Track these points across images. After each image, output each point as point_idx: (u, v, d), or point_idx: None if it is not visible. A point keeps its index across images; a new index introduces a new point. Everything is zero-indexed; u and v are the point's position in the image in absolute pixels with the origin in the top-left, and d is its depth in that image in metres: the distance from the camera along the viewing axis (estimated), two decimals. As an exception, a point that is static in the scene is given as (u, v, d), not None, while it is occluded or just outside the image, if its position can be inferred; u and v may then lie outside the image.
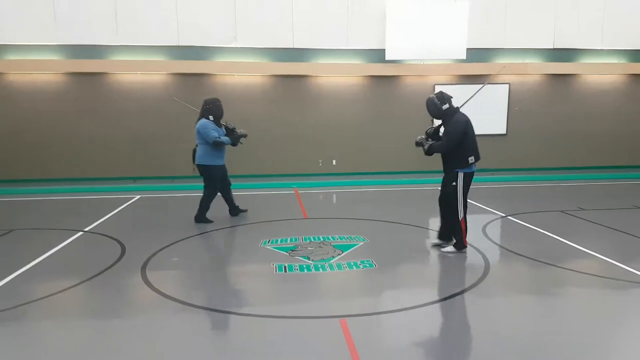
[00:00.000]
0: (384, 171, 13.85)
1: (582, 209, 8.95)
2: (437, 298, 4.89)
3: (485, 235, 7.26)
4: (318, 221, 8.38)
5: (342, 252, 6.39)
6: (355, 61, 13.34)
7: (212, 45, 12.74)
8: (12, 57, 12.15)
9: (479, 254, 6.26)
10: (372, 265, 5.84)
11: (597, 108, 14.37)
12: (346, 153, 13.81)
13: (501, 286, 5.26)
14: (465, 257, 6.17)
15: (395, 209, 9.35)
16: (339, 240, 7.01)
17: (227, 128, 8.11)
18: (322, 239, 7.06)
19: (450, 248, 6.35)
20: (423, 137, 6.56)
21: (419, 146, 6.52)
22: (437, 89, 13.61)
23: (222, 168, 8.14)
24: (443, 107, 6.14)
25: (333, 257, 6.20)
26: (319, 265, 5.85)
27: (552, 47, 13.89)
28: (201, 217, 8.08)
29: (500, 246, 6.66)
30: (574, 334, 4.04)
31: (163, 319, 4.47)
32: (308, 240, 6.99)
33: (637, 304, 4.79)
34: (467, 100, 6.64)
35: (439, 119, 6.28)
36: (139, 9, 12.37)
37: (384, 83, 13.63)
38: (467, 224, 6.34)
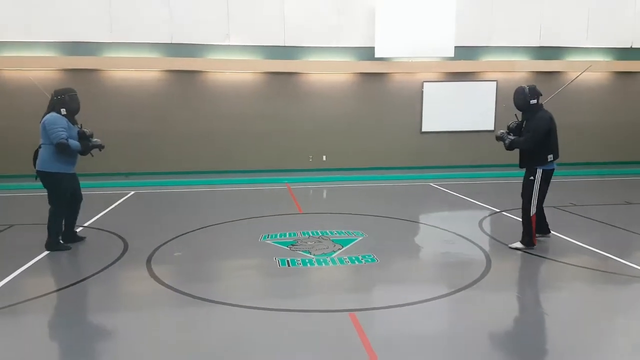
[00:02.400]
0: (374, 167, 13.99)
1: (574, 205, 9.17)
2: (442, 293, 4.98)
3: (483, 230, 7.44)
4: (313, 216, 8.49)
5: (342, 247, 6.50)
6: (345, 59, 13.47)
7: (204, 43, 12.77)
8: (7, 54, 12.06)
9: (479, 249, 6.41)
10: (374, 260, 5.95)
11: (583, 105, 14.67)
12: (336, 149, 13.93)
13: (504, 281, 5.41)
14: (465, 252, 6.31)
15: (386, 204, 9.52)
16: (337, 235, 7.13)
17: (80, 133, 6.43)
18: (320, 234, 7.17)
19: (518, 244, 6.33)
20: (504, 131, 6.51)
21: (500, 140, 6.47)
22: (426, 86, 13.86)
23: (73, 177, 6.49)
24: (531, 101, 6.12)
25: (334, 251, 6.31)
26: (322, 260, 5.96)
27: (538, 44, 14.14)
28: (53, 244, 6.31)
29: (498, 241, 6.80)
30: (575, 328, 4.19)
31: (172, 312, 4.56)
32: (307, 235, 7.09)
33: (636, 297, 4.96)
34: (554, 95, 6.75)
35: (523, 111, 6.26)
36: (133, 7, 12.36)
37: (373, 80, 13.78)
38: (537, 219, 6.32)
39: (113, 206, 9.31)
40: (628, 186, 11.66)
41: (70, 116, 6.31)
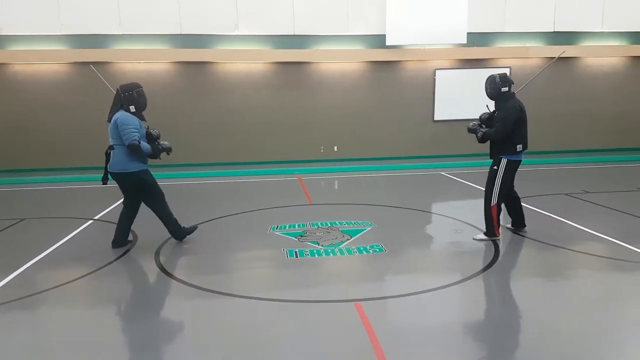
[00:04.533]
0: (386, 157, 13.91)
1: (587, 192, 9.04)
2: (449, 282, 4.95)
3: (492, 218, 7.34)
4: (323, 207, 8.46)
5: (351, 237, 6.47)
6: (356, 47, 13.36)
7: (214, 34, 12.74)
8: (16, 47, 12.14)
9: (488, 238, 6.33)
10: (382, 250, 5.92)
11: (598, 91, 14.43)
12: (347, 139, 13.86)
13: (513, 269, 5.36)
14: (477, 241, 6.23)
15: (398, 194, 9.46)
16: (346, 225, 7.10)
17: (149, 134, 6.12)
18: (329, 225, 7.14)
19: (481, 235, 6.26)
20: (476, 123, 6.39)
21: (472, 133, 6.37)
22: (438, 73, 13.71)
23: (149, 173, 6.22)
24: (502, 89, 5.99)
25: (342, 242, 6.28)
26: (329, 251, 5.94)
27: (552, 30, 13.90)
28: (178, 232, 6.42)
29: (508, 229, 6.73)
30: (586, 316, 4.13)
31: (181, 304, 4.56)
32: (316, 226, 7.07)
33: (644, 283, 4.89)
34: (527, 84, 6.63)
35: (494, 99, 6.13)
36: (141, -2, 12.37)
37: (384, 68, 13.66)
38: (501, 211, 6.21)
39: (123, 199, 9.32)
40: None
41: (139, 113, 6.03)
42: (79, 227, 7.28)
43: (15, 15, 12.02)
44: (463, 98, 13.84)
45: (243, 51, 12.82)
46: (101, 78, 7.30)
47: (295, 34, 13.06)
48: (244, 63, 13.07)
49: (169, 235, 6.61)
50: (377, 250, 5.94)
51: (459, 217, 7.36)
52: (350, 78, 13.64)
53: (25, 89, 12.43)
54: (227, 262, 5.84)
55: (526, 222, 6.61)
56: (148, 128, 6.13)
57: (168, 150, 6.27)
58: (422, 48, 13.45)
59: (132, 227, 6.56)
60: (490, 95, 6.14)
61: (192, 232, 6.55)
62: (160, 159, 6.27)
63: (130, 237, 6.47)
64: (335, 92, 13.62)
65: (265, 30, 12.94)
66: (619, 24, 14.03)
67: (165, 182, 11.25)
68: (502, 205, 6.36)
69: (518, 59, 13.84)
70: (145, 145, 5.87)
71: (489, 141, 6.21)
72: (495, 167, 6.09)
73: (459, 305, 4.52)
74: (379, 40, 13.25)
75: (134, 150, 5.74)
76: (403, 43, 13.22)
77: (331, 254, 5.82)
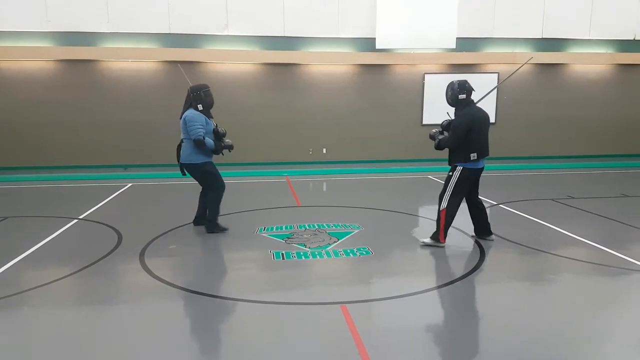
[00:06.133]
0: (374, 159, 13.92)
1: (572, 197, 9.11)
2: (434, 285, 4.98)
3: (478, 222, 7.38)
4: (311, 209, 8.45)
5: (338, 240, 6.47)
6: (346, 50, 13.37)
7: (203, 33, 12.69)
8: (2, 44, 12.00)
9: (474, 242, 6.37)
10: (369, 253, 5.92)
11: (585, 98, 14.56)
12: (337, 141, 13.86)
13: (498, 273, 5.37)
14: (459, 244, 6.26)
15: (386, 197, 9.47)
16: (334, 227, 7.09)
17: (215, 131, 6.79)
18: (317, 227, 7.13)
19: (427, 240, 6.22)
20: (437, 130, 6.37)
21: (432, 140, 6.35)
22: (427, 78, 13.77)
23: (212, 165, 6.88)
24: (460, 96, 5.98)
25: (329, 244, 6.27)
26: (316, 253, 5.93)
27: (540, 36, 14.01)
28: (212, 226, 6.91)
29: (494, 234, 6.75)
30: (570, 321, 4.15)
31: (164, 305, 4.51)
32: (303, 228, 7.06)
33: (631, 290, 4.93)
34: (485, 96, 6.49)
35: (453, 106, 6.13)
36: (130, -4, 12.29)
37: (374, 72, 13.68)
38: (453, 220, 6.11)
39: (109, 198, 9.28)
40: (627, 178, 11.58)
41: (206, 111, 6.65)
42: (63, 226, 7.19)
43: (0, 11, 11.87)
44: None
45: (232, 51, 12.78)
46: (186, 79, 7.60)
47: (286, 35, 13.04)
48: (233, 63, 13.03)
49: (154, 235, 6.60)
50: (364, 252, 5.93)
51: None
52: (340, 81, 13.64)
53: (11, 86, 12.28)
54: (212, 263, 5.81)
55: (509, 226, 6.63)
56: (217, 126, 6.83)
57: (230, 147, 6.95)
58: (412, 52, 13.49)
59: (117, 228, 6.52)
60: (449, 102, 6.14)
61: (223, 231, 6.93)
62: (222, 154, 6.94)
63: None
64: (325, 95, 13.61)
65: (255, 31, 12.91)
66: (606, 32, 14.18)
67: (152, 182, 11.22)
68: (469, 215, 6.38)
69: (506, 65, 13.92)
70: (209, 140, 6.54)
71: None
72: (451, 174, 6.07)
73: (444, 309, 4.53)
74: (368, 44, 13.27)
75: (198, 145, 6.45)
76: (393, 47, 13.25)
77: (318, 256, 5.81)
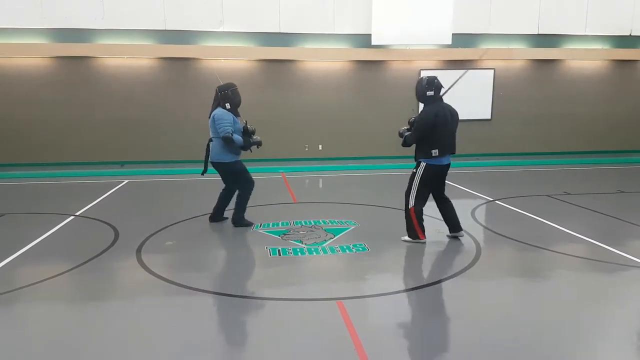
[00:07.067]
0: (370, 156, 13.93)
1: (568, 193, 9.14)
2: (430, 281, 5.00)
3: (475, 219, 7.41)
4: (307, 205, 8.46)
5: (334, 236, 6.48)
6: (342, 46, 13.35)
7: (198, 30, 12.64)
8: (-4, 40, 11.95)
9: (470, 238, 6.39)
10: (365, 249, 5.93)
11: (580, 93, 14.58)
12: (332, 138, 13.85)
13: (493, 269, 5.39)
14: (455, 241, 6.28)
15: (382, 194, 9.48)
16: (330, 224, 7.10)
17: (244, 128, 6.93)
18: (313, 223, 7.15)
19: (406, 237, 6.24)
20: (405, 127, 6.40)
21: (400, 137, 6.38)
22: (423, 74, 13.73)
23: (241, 163, 7.05)
24: (427, 92, 6.01)
25: (325, 240, 6.29)
26: (313, 249, 5.94)
27: (536, 32, 14.02)
28: (239, 220, 7.04)
29: (490, 230, 6.79)
30: (565, 316, 4.17)
31: (161, 301, 4.52)
32: (299, 224, 7.07)
33: (626, 286, 4.96)
34: (448, 89, 6.42)
35: (421, 102, 6.18)
36: (125, -8, 12.23)
37: (370, 68, 13.66)
38: (422, 214, 6.14)
39: (105, 195, 9.27)
40: (623, 175, 11.63)
41: (234, 109, 6.81)
42: (59, 223, 7.18)
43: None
44: (447, 99, 13.84)
45: (228, 48, 12.74)
46: (219, 80, 7.44)
47: (281, 31, 13.01)
48: (228, 60, 13.00)
49: (151, 232, 6.61)
50: (360, 249, 5.95)
51: (441, 217, 7.37)
52: (336, 77, 13.62)
53: (5, 83, 12.20)
54: (209, 259, 5.81)
55: (505, 222, 6.65)
56: (246, 123, 6.99)
57: (258, 144, 7.08)
58: (407, 48, 13.48)
59: (114, 224, 6.52)
60: (417, 98, 6.20)
61: (249, 225, 7.01)
62: (251, 151, 7.09)
63: (225, 215, 7.29)
64: (321, 91, 13.59)
65: (251, 27, 12.87)
66: (601, 27, 14.20)
67: (149, 178, 11.21)
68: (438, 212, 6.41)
69: (502, 61, 13.94)
70: (237, 137, 6.67)
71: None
72: (415, 171, 6.08)
73: (440, 305, 4.55)
74: (364, 40, 13.25)
75: (227, 142, 6.58)
76: (388, 43, 13.24)
77: (314, 253, 5.82)
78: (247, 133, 6.95)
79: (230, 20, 12.74)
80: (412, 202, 6.06)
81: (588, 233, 6.52)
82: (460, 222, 6.33)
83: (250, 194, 7.11)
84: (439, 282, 4.95)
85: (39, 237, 6.48)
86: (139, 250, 5.90)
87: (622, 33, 14.32)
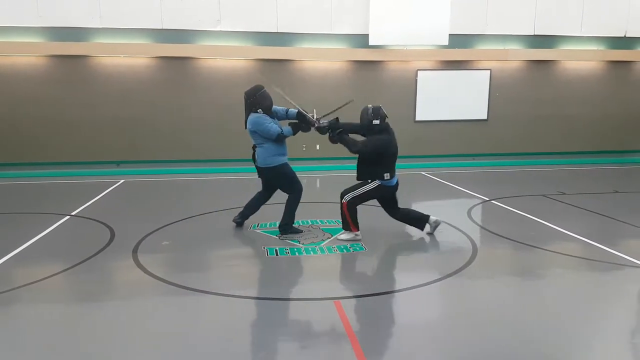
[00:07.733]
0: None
1: (564, 193, 9.17)
2: (427, 280, 5.00)
3: (471, 218, 7.43)
4: (305, 205, 8.35)
5: (332, 236, 6.48)
6: (339, 46, 13.35)
7: (196, 29, 12.62)
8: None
9: (466, 237, 6.40)
10: (362, 249, 5.94)
11: (576, 94, 14.61)
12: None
13: (489, 268, 5.41)
14: (452, 240, 6.29)
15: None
16: (327, 224, 7.11)
17: (301, 113, 6.80)
18: (310, 223, 7.15)
19: (344, 236, 6.32)
20: (325, 125, 6.54)
21: (319, 131, 6.56)
22: (420, 74, 13.78)
23: (288, 166, 6.80)
24: (374, 121, 6.19)
25: (323, 240, 6.29)
26: (310, 249, 5.94)
27: (532, 33, 14.06)
28: (287, 227, 6.70)
29: (486, 229, 6.81)
30: (560, 315, 4.19)
31: (158, 301, 4.52)
32: (297, 224, 7.05)
33: (620, 285, 4.98)
34: (330, 113, 6.80)
35: (364, 130, 6.33)
36: (122, -9, 12.19)
37: (367, 68, 13.66)
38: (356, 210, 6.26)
39: (102, 195, 9.24)
40: (619, 175, 11.68)
41: (267, 112, 6.60)
42: (55, 223, 7.15)
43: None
44: (444, 99, 13.93)
45: (225, 47, 12.72)
46: (286, 98, 7.07)
47: (279, 31, 13.00)
48: (226, 59, 12.98)
49: (147, 232, 6.59)
50: (357, 248, 5.96)
51: (438, 217, 7.38)
52: (333, 77, 13.62)
53: (1, 82, 12.16)
54: (206, 259, 5.81)
55: (501, 222, 6.70)
56: (300, 108, 6.79)
57: (323, 129, 6.65)
58: (404, 49, 13.49)
59: (110, 224, 6.52)
60: (361, 124, 6.35)
61: (297, 233, 6.66)
62: (307, 130, 6.80)
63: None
64: (318, 91, 13.56)
65: (248, 26, 12.85)
66: (597, 29, 14.23)
67: (145, 178, 11.18)
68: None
69: (498, 62, 13.96)
70: (286, 128, 6.55)
71: (357, 164, 6.43)
72: (370, 181, 6.18)
73: (437, 304, 4.56)
74: (362, 40, 13.25)
75: (280, 138, 6.52)
76: (386, 43, 13.24)
77: (312, 252, 5.83)
78: (303, 118, 6.75)
79: (228, 19, 12.72)
80: (347, 198, 6.19)
81: (583, 232, 6.54)
82: (456, 221, 6.34)
83: (299, 199, 6.79)
84: (436, 281, 4.96)
85: (35, 237, 6.44)
86: (135, 250, 5.89)
87: (617, 34, 14.35)
